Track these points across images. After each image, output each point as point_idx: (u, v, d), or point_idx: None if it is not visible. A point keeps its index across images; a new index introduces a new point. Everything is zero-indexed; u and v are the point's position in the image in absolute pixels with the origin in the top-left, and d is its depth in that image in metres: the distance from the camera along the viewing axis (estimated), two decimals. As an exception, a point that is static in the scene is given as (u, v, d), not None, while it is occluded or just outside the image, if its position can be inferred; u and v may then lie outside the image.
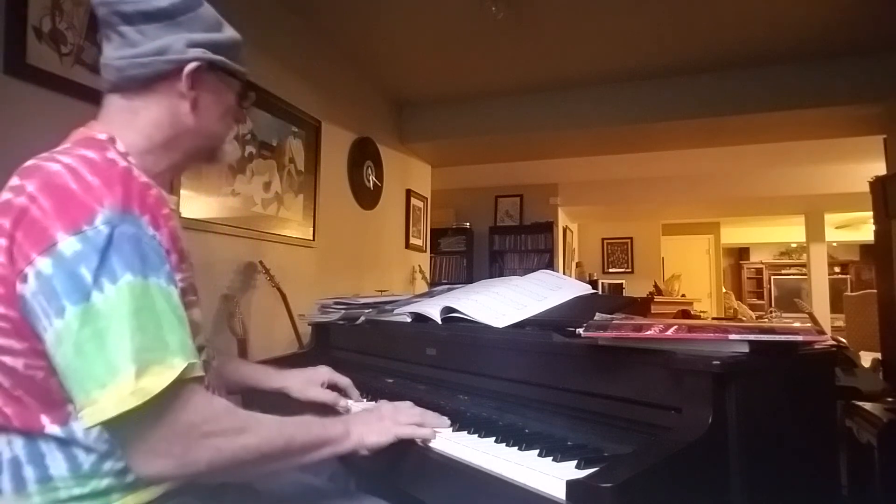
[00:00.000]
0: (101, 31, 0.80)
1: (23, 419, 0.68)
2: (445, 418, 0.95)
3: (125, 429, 0.63)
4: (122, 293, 0.63)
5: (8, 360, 0.67)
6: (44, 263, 0.63)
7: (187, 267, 0.79)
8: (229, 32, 0.87)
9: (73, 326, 0.61)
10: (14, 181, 0.70)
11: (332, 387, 1.17)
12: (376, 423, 0.87)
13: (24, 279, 0.64)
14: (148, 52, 0.78)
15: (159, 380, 0.62)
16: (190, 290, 0.78)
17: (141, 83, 0.79)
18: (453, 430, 0.93)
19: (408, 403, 0.96)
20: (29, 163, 0.72)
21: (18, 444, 0.68)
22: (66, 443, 0.68)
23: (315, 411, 1.13)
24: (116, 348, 0.61)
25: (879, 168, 3.23)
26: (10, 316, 0.66)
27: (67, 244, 0.63)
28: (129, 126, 0.80)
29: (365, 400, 1.19)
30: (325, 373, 1.17)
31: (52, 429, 0.68)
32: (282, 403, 1.15)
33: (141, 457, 0.64)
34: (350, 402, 1.16)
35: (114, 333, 0.62)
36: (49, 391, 0.67)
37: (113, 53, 0.79)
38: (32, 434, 0.68)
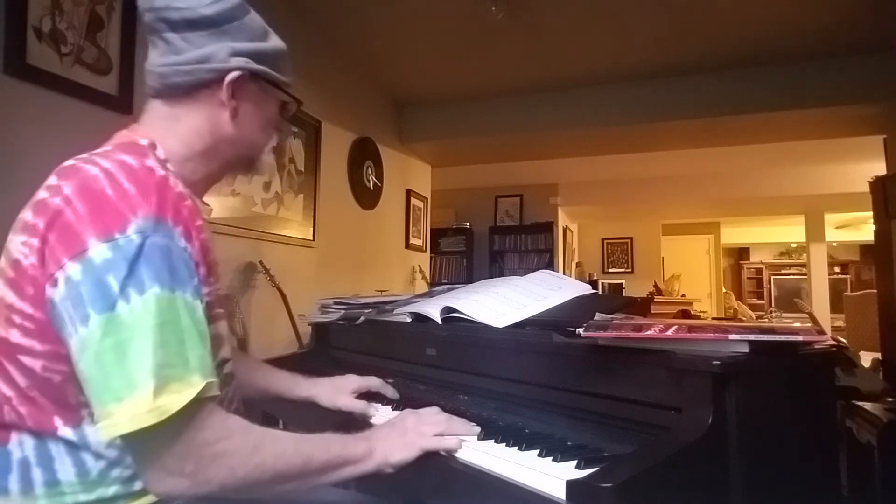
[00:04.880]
0: (147, 37, 0.81)
1: (36, 420, 0.67)
2: (475, 426, 0.90)
3: (140, 444, 0.63)
4: (147, 305, 0.62)
5: (27, 360, 0.67)
6: (73, 269, 0.63)
7: (215, 280, 0.78)
8: (274, 42, 0.86)
9: (95, 335, 0.61)
10: (52, 180, 0.70)
11: (364, 393, 1.13)
12: (399, 438, 0.84)
13: (55, 283, 0.63)
14: (191, 60, 0.78)
15: (177, 398, 0.61)
16: (216, 304, 0.77)
17: (184, 90, 0.80)
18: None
19: (433, 410, 0.92)
20: (68, 163, 0.72)
21: (29, 444, 0.68)
22: (76, 447, 0.68)
23: (343, 419, 1.10)
24: (136, 362, 0.61)
25: (879, 168, 3.23)
26: (36, 317, 0.66)
27: (98, 251, 0.62)
28: (170, 133, 0.80)
29: (390, 408, 1.11)
30: (353, 381, 1.13)
31: (65, 431, 0.67)
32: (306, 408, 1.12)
33: (153, 474, 0.64)
34: (378, 407, 1.10)
35: (135, 347, 0.61)
36: (65, 394, 0.67)
37: (157, 60, 0.79)
38: (44, 435, 0.68)
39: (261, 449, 0.69)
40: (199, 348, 0.66)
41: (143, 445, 0.63)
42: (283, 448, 0.71)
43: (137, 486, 0.70)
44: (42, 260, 0.65)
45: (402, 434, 0.85)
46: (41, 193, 0.70)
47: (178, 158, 0.79)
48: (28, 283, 0.66)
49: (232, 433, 0.68)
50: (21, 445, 0.68)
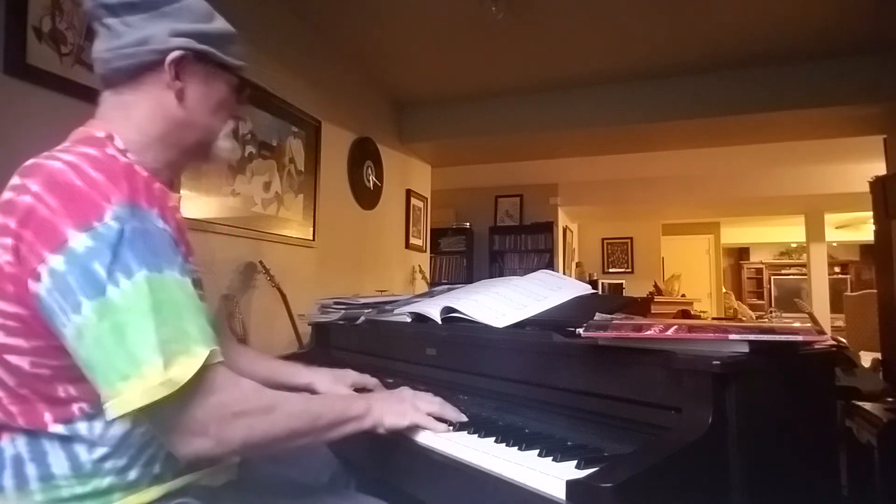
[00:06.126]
0: (92, 25, 0.80)
1: (27, 417, 0.68)
2: (463, 415, 0.96)
3: (158, 416, 0.65)
4: (139, 289, 0.64)
5: (13, 359, 0.67)
6: (56, 261, 0.63)
7: (194, 260, 0.80)
8: (219, 24, 0.85)
9: (91, 321, 0.63)
10: (15, 180, 0.71)
11: (360, 389, 1.16)
12: (396, 404, 0.91)
13: (38, 277, 0.64)
14: (131, 43, 0.77)
15: (185, 369, 0.64)
16: (197, 285, 0.78)
17: (129, 75, 0.79)
18: (454, 430, 0.93)
19: (429, 394, 0.98)
20: (29, 162, 0.72)
21: (21, 441, 0.68)
22: (68, 441, 0.68)
23: None
24: (138, 341, 0.63)
25: (879, 168, 3.23)
26: (19, 314, 0.66)
27: (79, 241, 0.64)
28: (124, 122, 0.79)
29: None
30: (352, 375, 1.17)
31: (56, 427, 0.68)
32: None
33: (178, 438, 0.66)
34: None
35: (134, 327, 0.63)
36: (55, 389, 0.68)
37: (100, 46, 0.79)
38: (36, 432, 0.68)
39: (275, 408, 0.73)
40: (198, 320, 0.68)
41: (163, 415, 0.65)
42: (294, 407, 0.77)
43: (132, 476, 0.71)
44: (19, 257, 0.65)
45: (399, 402, 0.92)
46: (6, 194, 0.70)
47: (137, 147, 0.78)
48: (7, 282, 0.66)
49: (247, 394, 0.71)
50: (13, 443, 0.68)
